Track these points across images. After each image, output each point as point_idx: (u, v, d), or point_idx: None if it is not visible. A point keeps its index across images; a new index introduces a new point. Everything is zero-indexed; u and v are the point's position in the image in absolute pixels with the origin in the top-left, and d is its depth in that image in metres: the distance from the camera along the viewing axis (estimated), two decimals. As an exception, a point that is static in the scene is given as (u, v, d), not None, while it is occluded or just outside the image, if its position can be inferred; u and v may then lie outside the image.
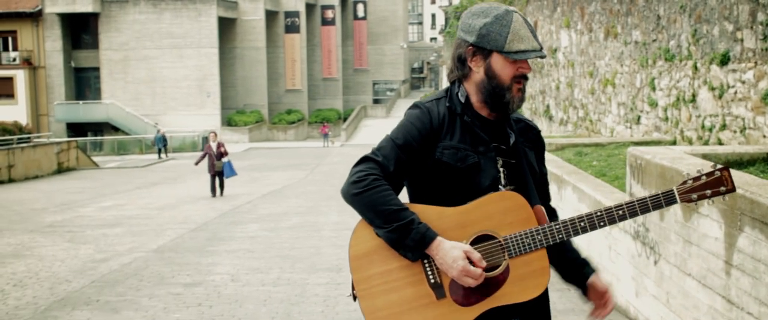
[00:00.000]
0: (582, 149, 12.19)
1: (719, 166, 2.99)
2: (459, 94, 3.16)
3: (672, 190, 2.99)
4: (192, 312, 8.43)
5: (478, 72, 3.10)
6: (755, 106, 9.44)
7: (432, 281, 2.99)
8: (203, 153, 23.42)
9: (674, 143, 11.69)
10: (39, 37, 57.57)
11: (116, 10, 57.73)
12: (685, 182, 3.00)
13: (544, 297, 3.21)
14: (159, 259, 11.83)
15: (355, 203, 3.01)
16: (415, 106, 3.17)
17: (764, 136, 9.33)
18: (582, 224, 3.01)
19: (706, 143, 10.73)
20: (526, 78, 3.10)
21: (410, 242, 2.92)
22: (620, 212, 3.00)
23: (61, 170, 35.98)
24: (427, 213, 3.01)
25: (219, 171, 22.67)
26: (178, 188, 26.23)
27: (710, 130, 10.73)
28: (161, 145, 46.88)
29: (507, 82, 3.05)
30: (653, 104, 12.80)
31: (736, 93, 9.94)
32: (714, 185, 2.96)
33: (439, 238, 2.94)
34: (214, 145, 22.90)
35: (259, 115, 61.64)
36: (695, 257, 5.75)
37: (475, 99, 3.15)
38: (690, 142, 11.34)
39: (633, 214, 3.01)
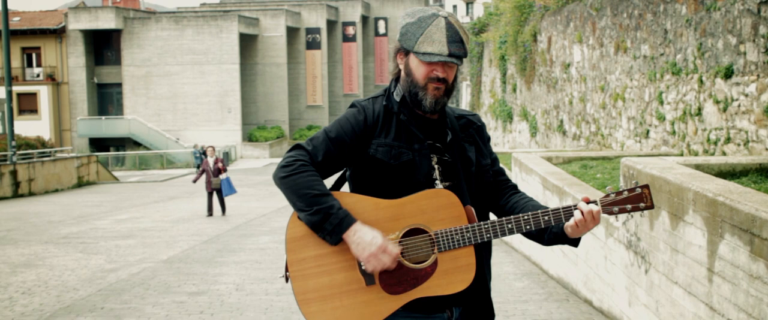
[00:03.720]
0: (588, 162, 12.22)
1: (641, 184, 3.22)
2: (395, 93, 3.32)
3: (596, 201, 3.20)
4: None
5: (402, 69, 3.28)
6: (758, 119, 9.46)
7: (363, 267, 3.13)
8: (201, 169, 21.97)
9: (681, 157, 11.69)
10: (62, 54, 58.16)
11: (138, 26, 58.27)
12: (608, 195, 3.23)
13: (485, 290, 3.37)
14: (167, 269, 11.96)
15: (281, 186, 3.18)
16: (352, 104, 3.34)
17: (766, 149, 9.34)
18: (509, 225, 3.18)
19: (712, 156, 10.73)
20: (441, 80, 3.20)
21: (328, 226, 3.08)
22: (546, 217, 3.18)
23: (80, 184, 36.31)
24: (364, 204, 3.17)
25: (216, 189, 21.31)
26: (195, 202, 26.39)
27: (715, 143, 10.75)
28: (201, 160, 47.50)
29: (421, 82, 3.20)
30: (661, 118, 12.82)
31: (739, 106, 9.96)
32: (634, 200, 3.21)
33: (357, 223, 3.09)
34: (211, 161, 21.57)
35: (280, 130, 61.89)
36: (681, 265, 5.80)
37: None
38: (696, 156, 11.34)
39: (557, 220, 3.19)
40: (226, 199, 22.17)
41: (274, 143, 59.56)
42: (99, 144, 57.16)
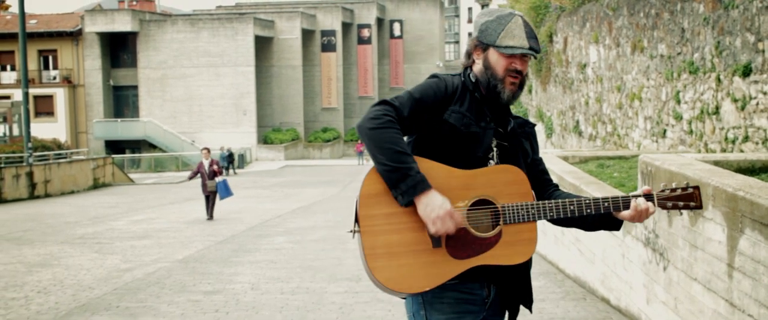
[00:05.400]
0: (605, 162, 12.16)
1: (693, 185, 3.49)
2: (470, 75, 3.55)
3: (652, 194, 3.47)
4: (209, 318, 8.52)
5: (479, 63, 3.52)
6: (776, 116, 9.38)
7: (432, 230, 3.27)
8: (195, 171, 21.29)
9: (699, 154, 11.60)
10: (79, 56, 58.43)
11: (154, 29, 58.46)
12: (663, 190, 3.49)
13: (525, 273, 3.61)
14: (182, 269, 11.96)
15: (367, 137, 3.31)
16: (434, 75, 3.57)
17: (785, 147, 9.26)
18: (571, 207, 3.43)
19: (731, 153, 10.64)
20: (518, 73, 3.46)
21: (404, 186, 3.23)
22: (606, 204, 3.44)
23: (96, 186, 36.44)
24: (438, 170, 3.34)
25: (212, 192, 20.65)
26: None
27: (733, 141, 10.66)
28: (227, 162, 47.17)
29: (500, 74, 3.45)
30: (678, 117, 12.74)
31: (757, 104, 9.88)
32: (686, 199, 3.48)
33: (431, 190, 3.23)
34: (206, 163, 20.91)
35: (295, 133, 61.96)
36: (700, 261, 5.74)
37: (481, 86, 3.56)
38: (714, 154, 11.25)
39: (616, 208, 3.44)
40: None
41: (289, 145, 59.63)
42: (115, 146, 57.34)
